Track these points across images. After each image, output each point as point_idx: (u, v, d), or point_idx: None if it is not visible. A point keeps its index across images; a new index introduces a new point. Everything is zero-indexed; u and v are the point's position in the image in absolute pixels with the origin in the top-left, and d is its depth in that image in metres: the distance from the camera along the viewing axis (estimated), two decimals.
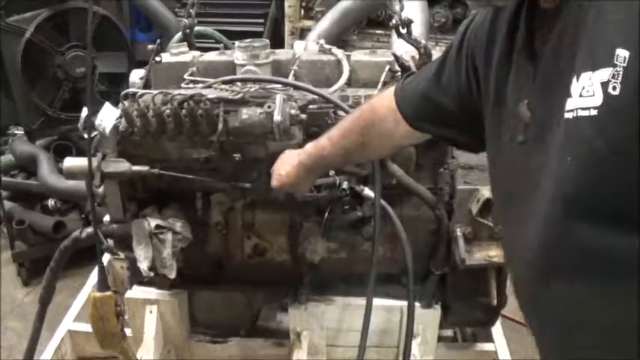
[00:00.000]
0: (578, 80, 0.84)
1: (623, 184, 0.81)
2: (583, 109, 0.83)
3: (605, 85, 0.80)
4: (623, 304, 0.88)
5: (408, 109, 1.39)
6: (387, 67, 1.98)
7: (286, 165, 1.67)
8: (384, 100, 1.46)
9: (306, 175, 1.67)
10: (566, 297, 0.95)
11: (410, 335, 1.95)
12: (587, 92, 0.82)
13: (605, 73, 0.80)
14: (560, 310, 0.98)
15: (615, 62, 0.78)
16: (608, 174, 0.82)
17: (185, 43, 2.24)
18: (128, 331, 2.18)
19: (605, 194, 0.84)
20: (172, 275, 1.95)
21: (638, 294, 0.84)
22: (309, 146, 1.64)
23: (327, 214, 1.95)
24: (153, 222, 1.90)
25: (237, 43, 2.03)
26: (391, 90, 1.45)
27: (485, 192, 1.87)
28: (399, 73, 1.93)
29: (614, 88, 0.79)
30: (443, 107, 1.32)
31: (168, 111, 1.75)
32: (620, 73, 0.78)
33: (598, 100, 0.81)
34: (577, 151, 0.85)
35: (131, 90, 1.89)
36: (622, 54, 0.78)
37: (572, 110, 0.85)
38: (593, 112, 0.81)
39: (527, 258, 1.04)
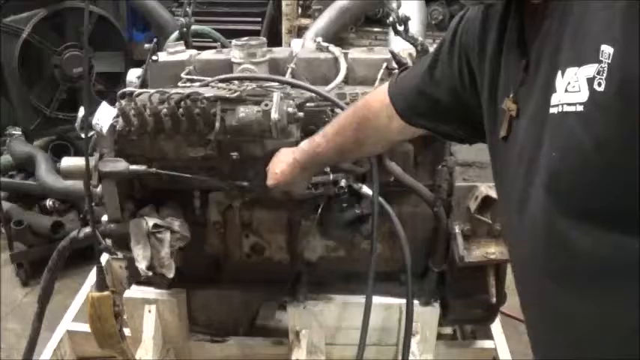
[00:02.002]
0: (563, 76, 0.85)
1: (608, 180, 0.81)
2: (569, 104, 0.83)
3: (590, 81, 0.80)
4: (607, 303, 0.88)
5: (402, 104, 1.39)
6: (384, 65, 1.98)
7: (281, 163, 1.67)
8: (377, 96, 1.46)
9: (302, 173, 1.66)
10: (556, 293, 0.95)
11: (409, 333, 1.95)
12: (572, 88, 0.82)
13: (590, 69, 0.80)
14: (550, 305, 0.99)
15: (600, 58, 0.78)
16: (594, 170, 0.81)
17: (182, 42, 2.24)
18: (127, 331, 2.18)
19: (591, 190, 0.83)
20: (171, 275, 1.94)
21: None
22: (304, 144, 1.64)
23: (320, 210, 1.94)
24: (151, 221, 1.90)
25: (234, 41, 2.03)
26: (385, 86, 1.45)
27: (484, 189, 1.87)
28: (396, 71, 1.92)
29: (599, 85, 0.78)
30: (436, 102, 1.32)
31: (165, 110, 1.75)
32: (605, 69, 0.78)
33: (584, 96, 0.81)
34: (563, 147, 0.85)
35: (128, 89, 1.88)
36: (607, 50, 0.77)
37: (557, 105, 0.85)
38: (579, 108, 0.81)
39: (519, 253, 1.04)
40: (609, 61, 0.77)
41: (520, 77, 1.00)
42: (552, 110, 0.86)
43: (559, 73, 0.86)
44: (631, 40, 0.75)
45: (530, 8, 1.00)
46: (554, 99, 0.86)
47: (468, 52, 1.21)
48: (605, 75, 0.78)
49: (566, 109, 0.83)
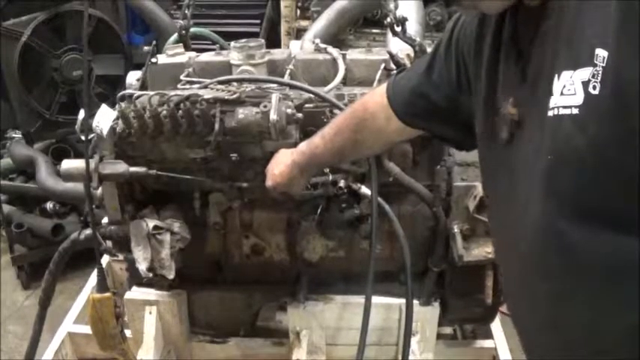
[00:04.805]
0: (559, 79, 0.85)
1: (603, 182, 0.82)
2: (565, 107, 0.84)
3: (586, 84, 0.81)
4: (605, 302, 0.88)
5: (399, 105, 1.39)
6: (383, 66, 1.99)
7: (280, 165, 1.67)
8: (375, 97, 1.46)
9: (300, 174, 1.67)
10: (551, 293, 0.96)
11: (409, 333, 1.95)
12: (568, 91, 0.83)
13: (585, 73, 0.80)
14: (546, 307, 0.99)
15: (595, 62, 0.79)
16: (589, 172, 0.82)
17: (181, 44, 2.25)
18: (128, 333, 2.18)
19: (588, 191, 0.84)
20: (171, 276, 1.95)
21: None
22: (303, 145, 1.65)
23: (320, 210, 1.94)
24: (151, 223, 1.90)
25: (232, 43, 2.04)
26: (382, 87, 1.46)
27: (482, 188, 1.87)
28: (395, 72, 1.93)
29: (594, 88, 0.79)
30: (434, 103, 1.32)
31: (164, 112, 1.75)
32: (600, 72, 0.79)
33: (579, 99, 0.81)
34: (559, 149, 0.85)
35: (128, 92, 1.89)
36: (601, 54, 0.78)
37: (554, 108, 0.86)
38: (575, 111, 0.82)
39: (516, 255, 1.04)
40: (604, 65, 0.78)
41: (518, 81, 1.01)
42: (550, 113, 0.87)
43: (555, 76, 0.86)
44: (625, 45, 0.76)
45: (526, 11, 1.00)
46: (552, 102, 0.86)
47: (465, 56, 1.22)
48: (599, 78, 0.79)
49: (562, 112, 0.84)
